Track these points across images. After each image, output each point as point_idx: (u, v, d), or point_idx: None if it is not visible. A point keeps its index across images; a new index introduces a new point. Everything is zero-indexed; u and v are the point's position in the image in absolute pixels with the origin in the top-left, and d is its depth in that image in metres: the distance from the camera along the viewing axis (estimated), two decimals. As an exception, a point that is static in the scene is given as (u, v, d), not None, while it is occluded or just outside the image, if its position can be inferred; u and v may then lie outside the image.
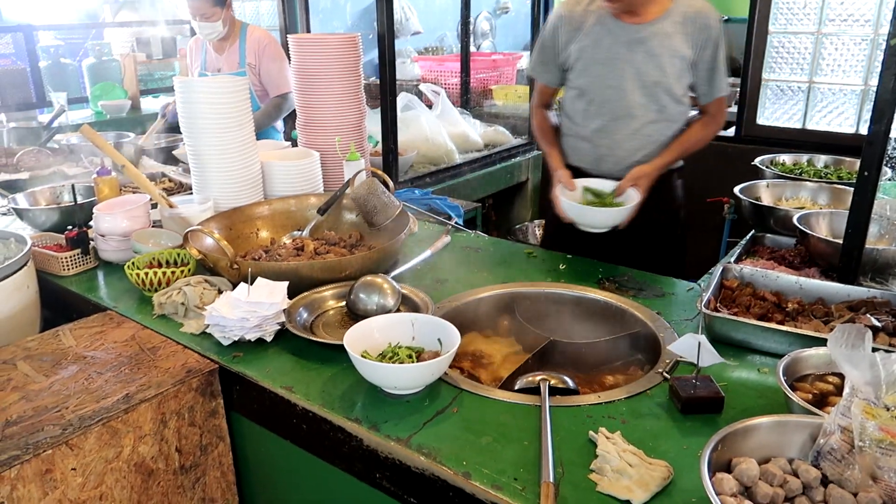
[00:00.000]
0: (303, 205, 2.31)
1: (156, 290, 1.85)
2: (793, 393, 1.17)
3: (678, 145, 2.12)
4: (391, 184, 2.35)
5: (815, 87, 3.44)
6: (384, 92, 2.68)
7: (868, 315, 1.52)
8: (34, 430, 1.31)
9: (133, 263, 1.93)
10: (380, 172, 2.39)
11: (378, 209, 2.18)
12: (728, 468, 1.04)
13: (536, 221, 3.61)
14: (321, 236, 2.22)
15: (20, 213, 2.40)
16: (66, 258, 2.07)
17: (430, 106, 3.47)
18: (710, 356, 1.34)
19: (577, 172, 2.24)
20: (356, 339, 1.46)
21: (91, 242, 2.14)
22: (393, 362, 1.42)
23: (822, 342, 1.42)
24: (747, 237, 2.14)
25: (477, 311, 1.87)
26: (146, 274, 1.86)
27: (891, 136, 1.60)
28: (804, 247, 1.97)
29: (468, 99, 3.98)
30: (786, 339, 1.49)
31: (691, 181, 2.29)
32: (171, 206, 2.21)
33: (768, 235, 2.14)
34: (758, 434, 1.08)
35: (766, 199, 2.34)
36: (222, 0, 3.33)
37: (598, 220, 2.05)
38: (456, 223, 2.50)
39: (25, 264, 1.92)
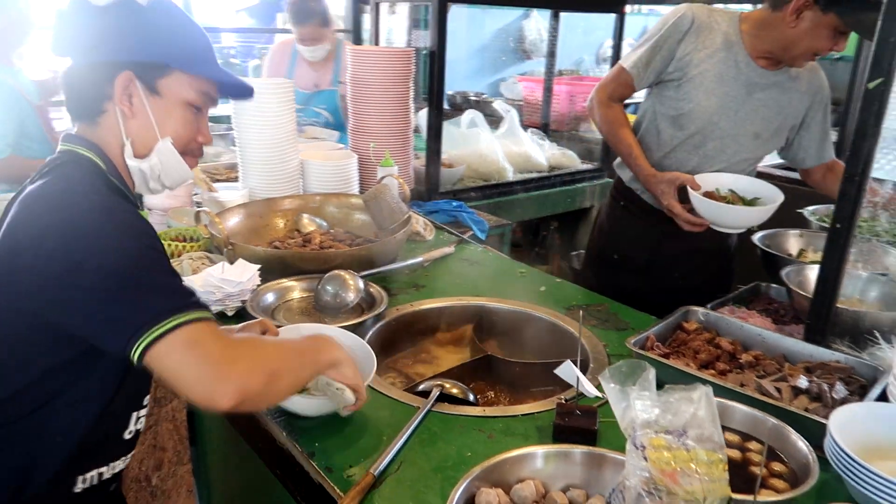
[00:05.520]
0: (328, 201, 2.49)
1: (167, 260, 2.10)
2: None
3: None
4: (407, 191, 2.47)
5: (923, 138, 3.08)
6: (431, 104, 2.80)
7: (803, 375, 1.40)
8: None
9: (159, 235, 2.20)
10: (400, 179, 2.51)
11: (385, 213, 2.29)
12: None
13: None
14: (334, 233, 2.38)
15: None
16: (116, 224, 2.39)
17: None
18: (588, 387, 1.31)
19: (628, 193, 2.24)
20: None
21: (141, 214, 2.45)
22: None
23: (745, 397, 1.35)
24: (749, 286, 2.00)
25: (438, 319, 1.93)
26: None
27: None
28: (791, 301, 1.82)
29: (547, 121, 4.00)
30: (706, 388, 1.41)
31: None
32: (210, 190, 2.47)
33: (773, 286, 2.00)
34: (570, 463, 1.07)
35: (792, 250, 2.17)
36: (327, 21, 3.52)
37: (740, 219, 1.92)
38: (471, 237, 2.55)
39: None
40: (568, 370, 1.32)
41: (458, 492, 0.96)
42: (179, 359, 0.97)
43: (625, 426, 0.91)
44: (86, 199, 1.06)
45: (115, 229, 1.03)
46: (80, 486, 1.18)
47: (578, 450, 1.06)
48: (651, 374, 0.92)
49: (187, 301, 1.02)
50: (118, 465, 1.24)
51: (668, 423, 0.88)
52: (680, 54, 2.00)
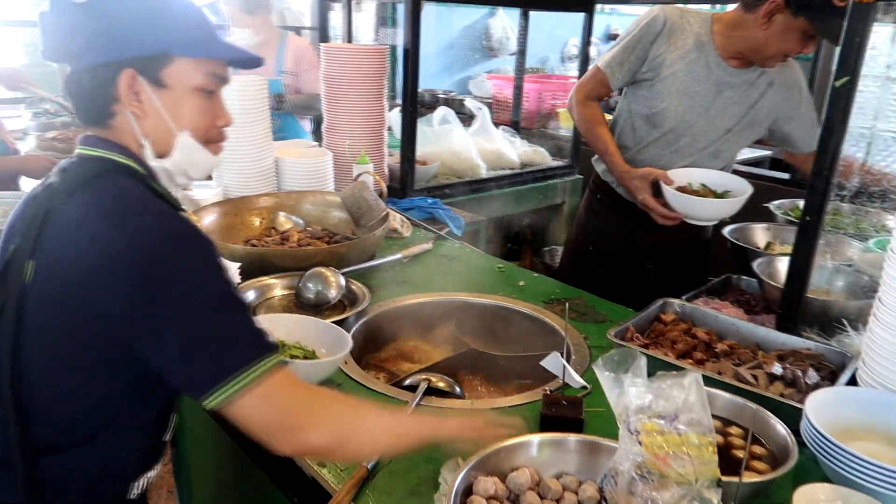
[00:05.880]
0: (304, 199, 2.48)
1: (143, 259, 2.07)
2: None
3: None
4: (384, 188, 2.48)
5: (878, 134, 3.21)
6: (405, 102, 2.81)
7: (777, 363, 1.46)
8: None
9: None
10: (377, 177, 2.52)
11: (363, 210, 2.30)
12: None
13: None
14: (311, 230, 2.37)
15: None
16: (87, 224, 2.34)
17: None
18: (575, 377, 1.35)
19: (604, 186, 2.29)
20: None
21: (112, 213, 2.41)
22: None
23: (723, 385, 1.39)
24: (721, 277, 2.07)
25: (420, 314, 1.94)
26: (137, 244, 2.09)
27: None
28: (762, 292, 1.89)
29: (518, 119, 4.03)
30: (685, 377, 1.46)
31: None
32: (184, 188, 2.44)
33: (744, 278, 2.06)
34: (562, 451, 1.10)
35: (760, 242, 2.24)
36: (248, 8, 3.41)
37: (712, 211, 1.99)
38: (447, 233, 2.57)
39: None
40: (554, 362, 1.35)
41: (457, 481, 0.98)
42: (253, 408, 0.99)
43: (619, 412, 0.94)
44: (156, 221, 1.02)
45: (192, 260, 1.01)
46: (133, 493, 1.18)
47: (572, 438, 1.09)
48: (642, 361, 0.95)
49: (264, 346, 1.02)
50: (158, 466, 1.24)
51: (661, 408, 0.91)
52: (653, 55, 2.05)
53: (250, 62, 1.23)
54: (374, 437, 1.07)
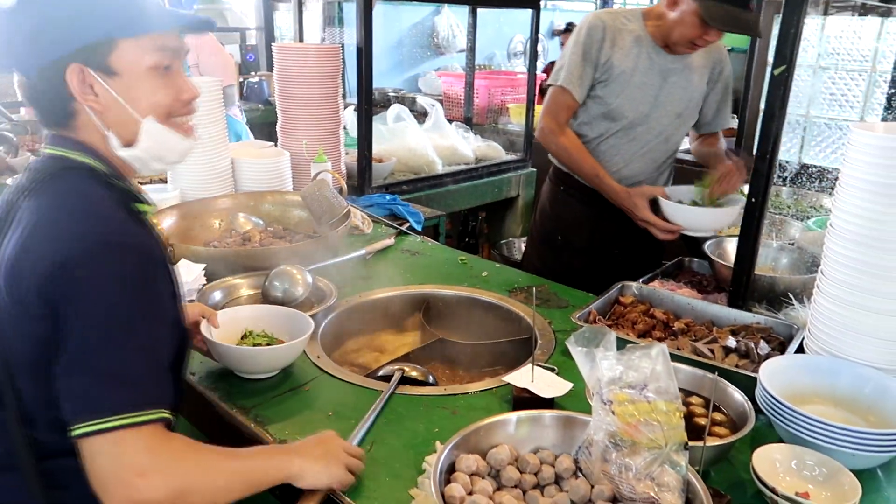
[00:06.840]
0: (263, 199, 2.48)
1: (102, 265, 2.05)
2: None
3: None
4: (344, 186, 2.49)
5: (812, 120, 3.39)
6: (360, 100, 2.83)
7: (731, 336, 1.55)
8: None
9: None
10: (336, 175, 2.54)
11: (324, 209, 2.31)
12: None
13: (524, 238, 3.68)
14: (273, 229, 2.38)
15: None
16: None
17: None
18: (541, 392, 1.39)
19: (565, 177, 2.36)
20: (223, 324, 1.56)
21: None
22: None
23: (683, 359, 1.47)
24: (674, 261, 2.16)
25: (387, 308, 1.97)
26: (95, 250, 2.06)
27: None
28: (713, 272, 1.99)
29: (470, 115, 4.10)
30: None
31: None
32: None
33: (696, 260, 2.17)
34: (538, 427, 1.15)
35: (708, 227, 2.35)
36: None
37: (713, 220, 2.05)
38: (408, 228, 2.61)
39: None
40: (521, 375, 1.39)
41: (440, 459, 1.02)
42: (99, 454, 0.94)
43: (592, 384, 1.00)
44: (89, 226, 1.00)
45: (112, 275, 0.97)
46: None
47: (547, 414, 1.14)
48: (612, 336, 1.01)
49: (143, 399, 0.97)
50: None
51: (631, 379, 0.97)
52: (602, 59, 2.15)
53: (201, 25, 1.18)
54: (220, 491, 1.02)
